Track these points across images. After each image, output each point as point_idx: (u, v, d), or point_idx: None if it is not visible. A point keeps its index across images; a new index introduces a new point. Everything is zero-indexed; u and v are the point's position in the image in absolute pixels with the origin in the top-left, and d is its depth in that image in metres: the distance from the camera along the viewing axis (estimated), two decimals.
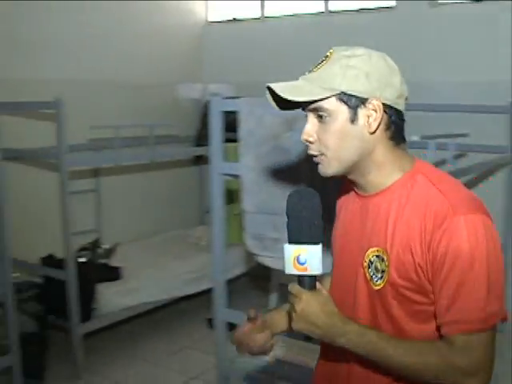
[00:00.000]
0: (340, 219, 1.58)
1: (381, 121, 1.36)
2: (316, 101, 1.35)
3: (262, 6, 5.80)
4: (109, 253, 4.76)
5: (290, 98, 1.34)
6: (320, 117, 1.38)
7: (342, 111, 1.36)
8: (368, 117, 1.36)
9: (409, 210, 1.36)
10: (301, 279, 1.37)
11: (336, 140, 1.37)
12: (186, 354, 4.21)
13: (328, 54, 1.38)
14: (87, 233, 4.83)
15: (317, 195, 1.36)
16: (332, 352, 1.51)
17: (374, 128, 1.36)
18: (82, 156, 4.60)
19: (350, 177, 1.45)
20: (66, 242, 3.80)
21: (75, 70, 4.76)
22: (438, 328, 1.34)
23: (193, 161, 5.67)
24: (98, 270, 4.36)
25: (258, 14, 5.84)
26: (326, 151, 1.39)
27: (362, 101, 1.35)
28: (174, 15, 5.77)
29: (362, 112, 1.36)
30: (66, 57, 4.71)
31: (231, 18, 6.06)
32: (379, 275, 1.39)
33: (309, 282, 1.36)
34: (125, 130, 4.62)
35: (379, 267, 1.39)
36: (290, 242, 1.36)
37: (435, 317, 1.35)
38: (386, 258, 1.37)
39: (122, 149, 4.48)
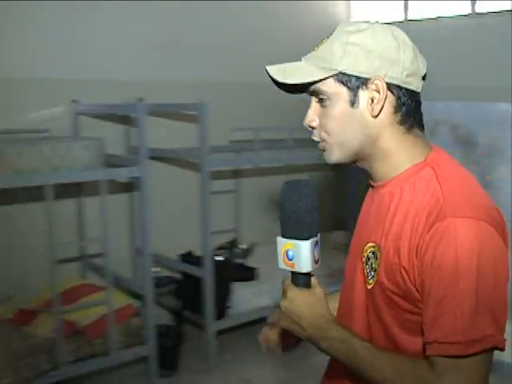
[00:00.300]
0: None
1: (384, 103, 1.21)
2: (315, 83, 1.23)
3: (406, 9, 5.66)
4: (246, 253, 4.84)
5: (281, 80, 1.22)
6: (321, 100, 1.25)
7: (342, 93, 1.22)
8: (371, 99, 1.21)
9: (407, 206, 1.20)
10: (293, 275, 1.28)
11: (336, 125, 1.24)
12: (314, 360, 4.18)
13: (324, 40, 1.25)
14: (225, 232, 4.92)
15: (311, 187, 1.24)
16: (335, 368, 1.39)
17: (376, 111, 1.21)
18: (222, 157, 4.70)
19: (359, 165, 1.30)
20: (205, 240, 3.90)
21: (217, 72, 4.87)
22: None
23: (330, 166, 5.61)
24: (235, 269, 4.44)
25: (401, 17, 5.71)
26: (327, 137, 1.26)
27: (363, 81, 1.20)
28: (313, 16, 5.73)
29: (363, 94, 1.21)
30: (208, 59, 4.84)
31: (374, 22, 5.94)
32: (372, 273, 1.25)
33: (300, 279, 1.27)
34: (263, 133, 4.66)
35: (373, 265, 1.25)
36: (282, 235, 1.26)
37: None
38: (379, 256, 1.23)
39: (261, 151, 4.54)
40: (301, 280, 1.27)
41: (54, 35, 3.97)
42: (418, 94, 1.25)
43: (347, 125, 1.23)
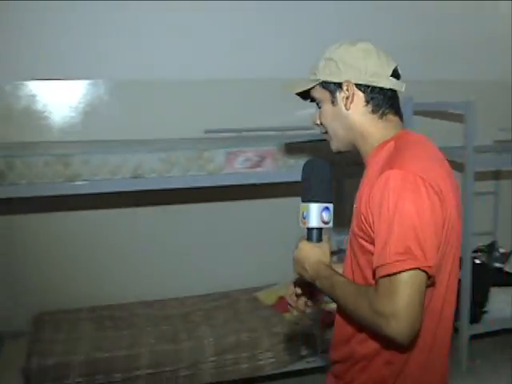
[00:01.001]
0: None
1: (353, 99, 1.59)
2: (309, 91, 1.66)
3: None
4: (504, 257, 4.65)
5: (288, 91, 1.67)
6: (317, 104, 1.67)
7: (326, 96, 1.63)
8: (345, 98, 1.59)
9: (371, 172, 1.54)
10: (308, 232, 1.63)
11: (328, 121, 1.65)
12: None
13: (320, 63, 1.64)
14: (484, 234, 4.77)
15: (326, 166, 1.65)
16: None
17: (349, 106, 1.59)
18: (485, 157, 4.55)
19: (355, 150, 1.67)
20: (466, 241, 3.82)
21: (486, 71, 4.71)
22: None
23: None
24: (493, 273, 4.30)
25: None
26: (327, 131, 1.67)
27: (338, 85, 1.60)
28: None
29: (339, 95, 1.60)
30: (470, 59, 4.72)
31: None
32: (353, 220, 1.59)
33: (310, 234, 1.63)
34: None
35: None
36: (301, 200, 1.63)
37: None
38: (354, 210, 1.58)
39: None
40: (310, 234, 1.64)
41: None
42: (390, 89, 1.59)
43: (333, 119, 1.64)
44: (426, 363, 1.54)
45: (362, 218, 1.50)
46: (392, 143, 1.55)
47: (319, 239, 1.63)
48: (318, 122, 1.69)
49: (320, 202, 1.61)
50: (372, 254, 1.46)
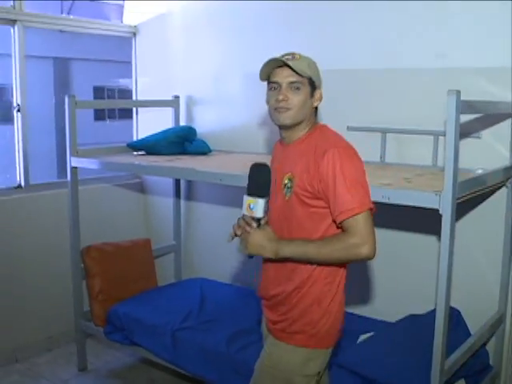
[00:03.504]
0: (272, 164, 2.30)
1: (319, 100, 2.22)
2: (299, 77, 2.11)
3: None
4: None
5: (291, 64, 2.08)
6: (296, 88, 2.12)
7: (307, 88, 2.15)
8: (316, 96, 2.20)
9: (305, 149, 2.13)
10: (253, 219, 2.09)
11: (300, 103, 2.13)
12: None
13: (295, 55, 2.13)
14: None
15: (269, 169, 2.15)
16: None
17: (317, 104, 2.22)
18: None
19: (289, 129, 2.20)
20: None
21: None
22: (334, 222, 2.07)
23: None
24: None
25: None
26: (291, 107, 2.12)
27: (317, 85, 2.19)
28: None
29: (315, 92, 2.19)
30: None
31: None
32: (290, 190, 2.13)
33: (257, 222, 2.10)
34: None
35: (289, 185, 2.13)
36: (248, 194, 2.10)
37: (328, 216, 2.08)
38: (292, 178, 2.12)
39: None
40: (257, 222, 2.10)
41: None
42: None
43: (303, 104, 2.14)
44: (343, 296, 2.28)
45: (311, 182, 2.07)
46: (319, 130, 2.19)
47: (262, 225, 2.11)
48: (285, 98, 2.11)
49: (264, 198, 2.10)
50: (312, 206, 2.09)
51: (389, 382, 2.69)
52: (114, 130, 9.13)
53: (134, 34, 4.83)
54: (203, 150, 4.12)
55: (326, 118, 3.82)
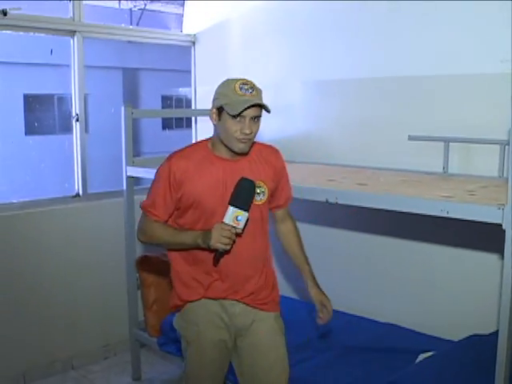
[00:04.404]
0: (201, 178, 2.37)
1: None
2: (260, 112, 2.31)
3: None
4: None
5: (261, 103, 2.28)
6: (256, 119, 2.30)
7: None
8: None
9: (255, 158, 2.45)
10: (236, 229, 2.24)
11: (257, 131, 2.33)
12: None
13: (254, 86, 2.32)
14: None
15: (254, 183, 2.32)
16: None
17: None
18: None
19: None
20: None
21: None
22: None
23: None
24: None
25: None
26: (252, 138, 2.33)
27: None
28: None
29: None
30: None
31: None
32: (263, 194, 2.45)
33: (240, 231, 2.27)
34: None
35: (262, 190, 2.45)
36: (233, 205, 2.24)
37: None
38: (263, 185, 2.44)
39: None
40: (241, 231, 2.28)
41: None
42: None
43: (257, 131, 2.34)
44: None
45: (274, 182, 2.51)
46: (257, 146, 2.47)
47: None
48: (250, 131, 2.27)
49: (248, 211, 2.27)
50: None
51: None
52: (181, 139, 9.21)
53: (193, 43, 4.82)
54: None
55: (386, 127, 3.73)
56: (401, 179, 3.17)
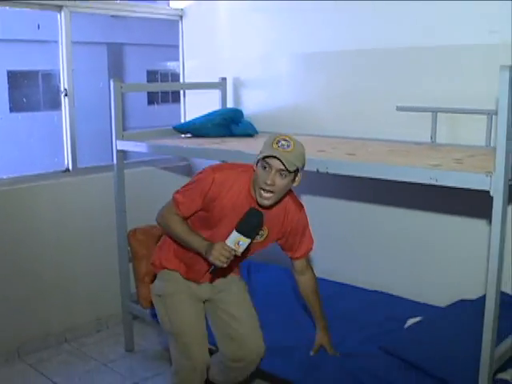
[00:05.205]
0: (230, 203, 2.57)
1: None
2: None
3: None
4: None
5: (287, 165, 2.40)
6: (284, 175, 2.43)
7: (292, 175, 2.47)
8: (297, 179, 2.53)
9: (276, 213, 2.65)
10: (235, 252, 2.45)
11: (283, 188, 2.48)
12: None
13: (290, 143, 2.45)
14: None
15: (262, 214, 2.48)
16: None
17: (296, 185, 2.56)
18: None
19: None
20: None
21: None
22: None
23: None
24: None
25: None
26: (275, 191, 2.47)
27: (299, 171, 2.51)
28: None
29: (297, 177, 2.52)
30: None
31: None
32: (259, 237, 2.63)
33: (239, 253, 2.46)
34: None
35: (262, 234, 2.64)
36: (239, 231, 2.43)
37: None
38: (265, 230, 2.64)
39: None
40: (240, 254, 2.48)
41: None
42: None
43: (285, 188, 2.51)
44: None
45: (279, 235, 2.74)
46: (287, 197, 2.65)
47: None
48: (272, 183, 2.43)
49: (251, 239, 2.48)
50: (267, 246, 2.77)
51: (436, 369, 2.61)
52: (167, 113, 9.20)
53: (181, 17, 4.80)
54: (249, 132, 4.07)
55: (374, 98, 3.75)
56: (389, 149, 3.20)
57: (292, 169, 2.42)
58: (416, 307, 3.42)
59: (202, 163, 4.79)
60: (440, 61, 3.44)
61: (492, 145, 3.16)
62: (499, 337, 2.43)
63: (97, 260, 4.35)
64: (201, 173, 2.65)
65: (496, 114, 3.02)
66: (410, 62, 3.56)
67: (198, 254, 2.58)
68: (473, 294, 3.19)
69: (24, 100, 7.86)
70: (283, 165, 2.39)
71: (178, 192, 2.67)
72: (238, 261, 2.73)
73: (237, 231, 2.43)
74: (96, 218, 4.31)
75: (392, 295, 3.64)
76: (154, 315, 3.75)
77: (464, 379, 2.49)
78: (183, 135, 4.16)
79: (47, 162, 4.61)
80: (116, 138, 3.83)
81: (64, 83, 4.11)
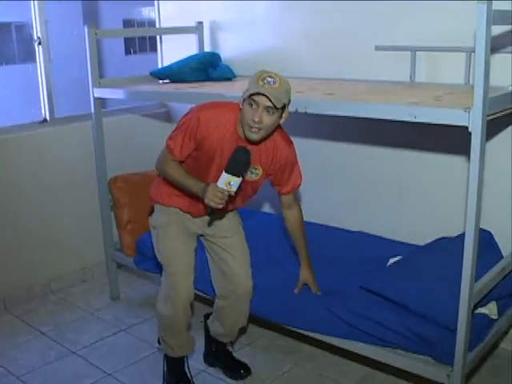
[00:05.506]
0: (218, 141, 2.59)
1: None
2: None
3: None
4: None
5: (274, 101, 2.38)
6: (271, 112, 2.42)
7: (279, 111, 2.47)
8: (284, 116, 2.54)
9: (265, 149, 2.67)
10: (228, 192, 2.45)
11: (271, 124, 2.47)
12: None
13: (276, 79, 2.43)
14: None
15: (249, 152, 2.47)
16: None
17: (283, 121, 2.58)
18: None
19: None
20: None
21: None
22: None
23: None
24: None
25: None
26: (263, 128, 2.46)
27: (286, 107, 2.51)
28: None
29: (284, 112, 2.52)
30: None
31: None
32: (254, 175, 2.70)
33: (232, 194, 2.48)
34: None
35: (254, 172, 2.70)
36: (227, 171, 2.43)
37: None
38: (259, 167, 2.70)
39: None
40: (233, 194, 2.48)
41: None
42: None
43: (273, 125, 2.51)
44: None
45: (270, 171, 2.74)
46: (275, 133, 2.65)
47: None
48: (260, 121, 2.42)
49: (242, 177, 2.46)
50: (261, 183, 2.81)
51: (417, 305, 2.64)
52: (145, 62, 9.04)
53: None
54: (228, 76, 4.01)
55: (352, 38, 3.71)
56: (368, 89, 3.17)
57: (279, 105, 2.41)
58: (397, 246, 3.45)
59: (180, 108, 4.75)
60: None
61: (471, 82, 3.14)
62: (478, 273, 2.46)
63: (79, 209, 4.33)
64: (186, 115, 2.65)
65: (474, 51, 3.04)
66: (388, 0, 3.50)
67: (196, 196, 2.60)
68: (453, 232, 3.22)
69: None
70: (270, 101, 2.37)
71: (169, 138, 2.67)
72: (237, 200, 2.78)
73: (226, 172, 2.44)
74: (76, 168, 4.27)
75: (373, 235, 3.67)
76: (138, 263, 3.79)
77: (444, 314, 2.53)
78: (161, 81, 4.10)
79: (24, 114, 4.54)
80: (93, 86, 3.76)
81: (37, 33, 4.02)
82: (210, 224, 2.89)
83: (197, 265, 2.96)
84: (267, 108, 2.40)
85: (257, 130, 2.45)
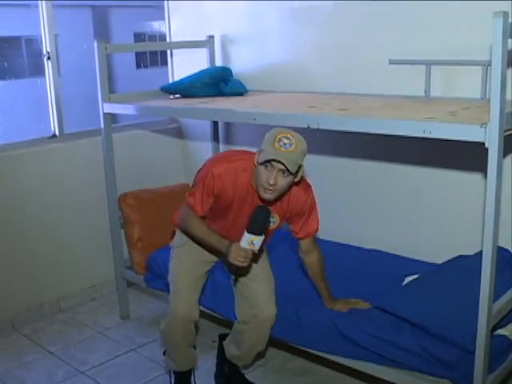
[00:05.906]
0: (235, 196, 2.65)
1: None
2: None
3: None
4: None
5: (289, 167, 2.41)
6: (286, 173, 2.44)
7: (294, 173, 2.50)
8: (298, 174, 2.55)
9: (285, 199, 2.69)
10: (253, 252, 2.54)
11: (285, 185, 2.51)
12: None
13: (292, 141, 2.42)
14: None
15: (268, 211, 2.55)
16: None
17: (297, 179, 2.58)
18: None
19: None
20: None
21: None
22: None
23: None
24: None
25: None
26: (278, 189, 2.49)
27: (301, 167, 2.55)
28: None
29: (299, 171, 2.53)
30: None
31: None
32: (272, 223, 2.68)
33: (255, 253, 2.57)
34: None
35: (271, 220, 2.66)
36: (249, 232, 2.49)
37: None
38: (276, 216, 2.70)
39: None
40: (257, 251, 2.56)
41: None
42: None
43: (287, 185, 2.52)
44: None
45: (291, 214, 2.74)
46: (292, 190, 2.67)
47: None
48: (275, 183, 2.44)
49: (264, 235, 2.52)
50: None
51: (434, 325, 2.56)
52: (156, 76, 9.04)
53: None
54: (239, 91, 3.95)
55: (366, 52, 3.65)
56: (382, 104, 3.11)
57: (294, 170, 2.45)
58: (413, 265, 3.38)
59: (192, 124, 4.72)
60: (432, 11, 3.32)
61: (487, 96, 3.07)
62: (497, 292, 2.39)
63: (88, 227, 4.28)
64: (200, 170, 2.72)
65: (490, 64, 2.98)
66: (403, 13, 3.44)
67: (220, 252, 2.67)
68: (470, 250, 3.14)
69: (5, 65, 7.71)
70: (285, 166, 2.40)
71: (189, 195, 2.71)
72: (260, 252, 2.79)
73: (248, 232, 2.49)
74: (85, 184, 4.23)
75: (389, 253, 3.60)
76: (148, 281, 3.73)
77: (462, 335, 2.45)
78: (172, 96, 4.05)
79: (33, 129, 4.52)
80: (102, 101, 3.73)
81: (46, 47, 3.99)
82: (236, 281, 2.91)
83: (209, 285, 2.92)
84: (282, 171, 2.43)
85: (271, 191, 2.48)
